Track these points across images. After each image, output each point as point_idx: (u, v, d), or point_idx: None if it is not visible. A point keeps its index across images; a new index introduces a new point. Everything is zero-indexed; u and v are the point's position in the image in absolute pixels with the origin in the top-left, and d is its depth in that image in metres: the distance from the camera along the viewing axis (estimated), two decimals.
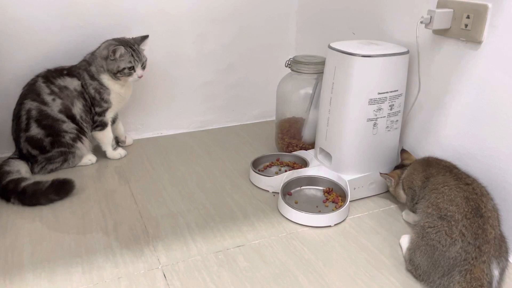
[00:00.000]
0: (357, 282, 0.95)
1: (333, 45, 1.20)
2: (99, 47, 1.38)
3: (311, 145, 1.44)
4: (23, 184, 1.21)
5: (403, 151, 1.24)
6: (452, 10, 1.08)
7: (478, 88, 1.06)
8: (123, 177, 1.37)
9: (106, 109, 1.42)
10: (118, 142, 1.58)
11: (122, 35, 1.47)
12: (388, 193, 1.29)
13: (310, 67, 1.40)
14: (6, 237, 1.07)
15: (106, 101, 1.40)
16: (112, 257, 1.01)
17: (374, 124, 1.18)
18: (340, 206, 1.17)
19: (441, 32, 1.12)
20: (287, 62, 1.46)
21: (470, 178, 0.99)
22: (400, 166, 1.21)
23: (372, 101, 1.15)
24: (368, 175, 1.24)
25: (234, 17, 1.65)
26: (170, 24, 1.56)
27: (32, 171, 1.35)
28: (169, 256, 1.02)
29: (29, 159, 1.35)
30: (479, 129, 1.07)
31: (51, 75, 1.36)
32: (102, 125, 1.43)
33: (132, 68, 1.35)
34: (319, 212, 1.17)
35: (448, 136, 1.16)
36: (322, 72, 1.28)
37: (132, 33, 1.48)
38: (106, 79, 1.38)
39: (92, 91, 1.38)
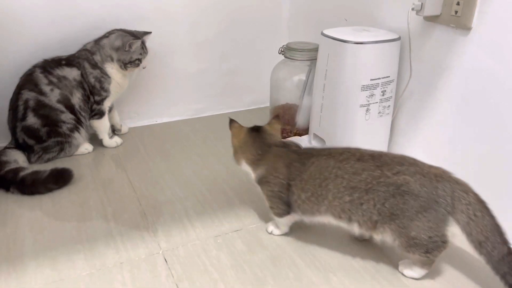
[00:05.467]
0: (352, 264, 0.98)
1: (326, 32, 1.22)
2: (107, 36, 1.40)
3: (305, 131, 1.47)
4: (22, 173, 1.22)
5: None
6: None
7: (468, 74, 1.09)
8: (120, 165, 1.39)
9: (105, 98, 1.43)
10: (114, 130, 1.59)
11: (114, 23, 1.48)
12: None
13: (303, 54, 1.42)
14: (7, 227, 1.09)
15: (106, 90, 1.42)
16: (113, 243, 1.03)
17: (367, 110, 1.21)
18: None
19: (432, 19, 1.14)
20: (281, 49, 1.48)
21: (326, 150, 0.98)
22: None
23: (364, 87, 1.18)
24: None
25: (226, 4, 1.65)
26: (163, 13, 1.56)
27: (29, 161, 1.36)
28: (169, 241, 1.04)
29: (26, 149, 1.36)
30: (469, 113, 1.10)
31: (48, 66, 1.36)
32: (100, 114, 1.45)
33: (140, 60, 1.42)
34: None
35: (439, 120, 1.19)
36: (315, 59, 1.30)
37: (124, 22, 1.49)
38: (110, 68, 1.41)
39: (92, 80, 1.39)
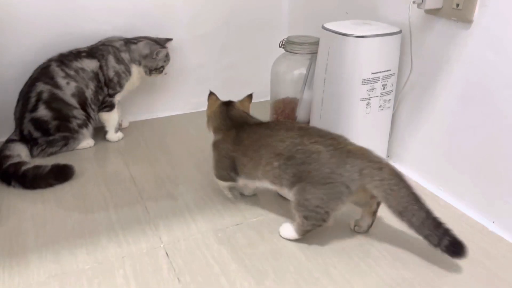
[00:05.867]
0: (352, 257, 0.99)
1: (326, 25, 1.21)
2: (136, 43, 1.45)
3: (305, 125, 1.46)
4: (24, 168, 1.23)
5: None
6: None
7: (469, 67, 1.09)
8: (121, 160, 1.39)
9: (118, 92, 1.47)
10: None
11: (113, 17, 1.49)
12: None
13: (304, 48, 1.42)
14: (9, 221, 1.10)
15: (121, 86, 1.46)
16: (115, 237, 1.04)
17: (367, 104, 1.21)
18: None
19: (433, 12, 1.14)
20: (281, 42, 1.47)
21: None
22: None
23: (365, 81, 1.18)
24: None
25: None
26: (162, 6, 1.55)
27: (31, 154, 1.36)
28: (170, 235, 1.05)
29: (29, 141, 1.36)
30: (469, 107, 1.10)
31: (66, 59, 1.37)
32: (111, 106, 1.47)
33: (163, 67, 1.50)
34: None
35: (440, 114, 1.19)
36: (316, 53, 1.29)
37: (123, 15, 1.49)
38: (134, 68, 1.47)
39: (111, 74, 1.42)
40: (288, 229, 1.03)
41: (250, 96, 1.18)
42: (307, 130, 1.02)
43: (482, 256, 0.99)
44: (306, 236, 1.02)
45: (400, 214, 0.93)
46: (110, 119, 1.49)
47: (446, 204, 1.18)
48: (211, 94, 1.19)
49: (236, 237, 1.05)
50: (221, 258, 0.98)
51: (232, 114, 1.13)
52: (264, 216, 1.12)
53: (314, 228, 0.99)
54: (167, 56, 1.49)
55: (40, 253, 0.99)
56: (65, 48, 1.41)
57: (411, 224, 0.92)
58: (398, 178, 0.93)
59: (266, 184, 1.05)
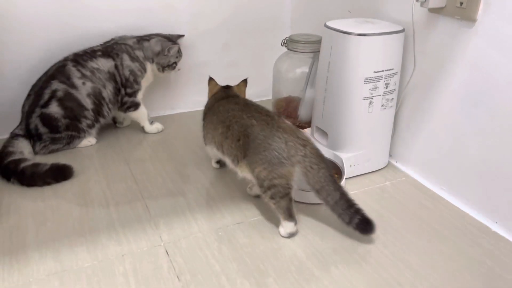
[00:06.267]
0: (353, 256, 0.98)
1: (329, 24, 1.20)
2: (148, 40, 1.46)
3: (307, 124, 1.46)
4: (23, 165, 1.23)
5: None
6: None
7: (472, 66, 1.08)
8: (122, 158, 1.39)
9: (137, 91, 1.48)
10: (115, 122, 1.59)
11: (117, 15, 1.48)
12: (383, 170, 1.32)
13: (306, 46, 1.41)
14: (10, 218, 1.09)
15: (138, 83, 1.47)
16: (115, 235, 1.04)
17: (370, 103, 1.20)
18: None
19: (437, 11, 1.13)
20: (283, 41, 1.47)
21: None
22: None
23: (368, 80, 1.17)
24: (364, 153, 1.26)
25: None
26: (165, 3, 1.55)
27: (34, 149, 1.36)
28: (170, 233, 1.05)
29: (33, 136, 1.36)
30: (473, 106, 1.09)
31: (81, 58, 1.38)
32: (135, 105, 1.49)
33: (176, 63, 1.51)
34: None
35: (442, 114, 1.18)
36: (318, 51, 1.29)
37: (126, 12, 1.49)
38: (148, 65, 1.48)
39: (127, 73, 1.43)
40: (280, 225, 1.05)
41: (245, 81, 1.30)
42: (249, 107, 1.11)
43: (485, 256, 0.98)
44: (311, 235, 1.01)
45: (317, 192, 1.00)
46: (139, 115, 1.52)
47: (449, 204, 1.17)
48: (211, 79, 1.30)
49: (237, 236, 1.04)
50: (221, 257, 0.98)
51: (225, 93, 1.24)
52: (265, 215, 1.12)
53: (288, 204, 1.02)
54: (179, 52, 1.50)
55: (40, 251, 0.98)
56: (74, 46, 1.42)
57: (326, 202, 1.00)
58: (319, 159, 1.00)
59: (224, 157, 1.13)
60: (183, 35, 1.55)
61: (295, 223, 1.03)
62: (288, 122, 1.06)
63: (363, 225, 0.99)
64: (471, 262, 0.96)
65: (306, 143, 1.00)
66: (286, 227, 1.03)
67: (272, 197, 1.01)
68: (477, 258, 0.97)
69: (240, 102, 1.15)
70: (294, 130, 1.03)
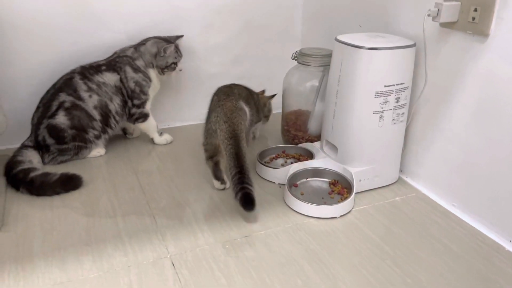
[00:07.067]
0: (361, 272, 0.96)
1: (339, 37, 1.21)
2: (144, 44, 1.46)
3: (317, 138, 1.45)
4: (32, 174, 1.23)
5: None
6: (459, 3, 1.09)
7: (485, 81, 1.07)
8: (130, 168, 1.39)
9: (145, 101, 1.49)
10: (125, 133, 1.60)
11: (129, 26, 1.50)
12: (393, 185, 1.30)
13: (316, 60, 1.41)
14: (18, 226, 1.09)
15: (145, 93, 1.48)
16: (122, 246, 1.03)
17: (380, 117, 1.19)
18: (346, 198, 1.18)
19: (448, 25, 1.12)
20: (294, 54, 1.47)
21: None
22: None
23: (378, 94, 1.16)
24: (373, 168, 1.25)
25: (239, 9, 1.65)
26: (176, 15, 1.57)
27: (43, 161, 1.37)
28: (177, 245, 1.04)
29: (42, 148, 1.37)
30: (485, 122, 1.08)
31: (87, 72, 1.39)
32: (144, 117, 1.50)
33: (175, 63, 1.48)
34: (325, 203, 1.18)
35: (454, 129, 1.16)
36: (329, 65, 1.29)
37: (138, 24, 1.51)
38: (152, 72, 1.48)
39: (132, 85, 1.44)
40: None
41: (263, 92, 1.52)
42: (228, 95, 1.27)
43: (498, 275, 0.96)
44: (319, 249, 1.00)
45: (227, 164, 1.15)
46: (149, 126, 1.52)
47: (460, 221, 1.14)
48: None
49: (244, 249, 1.03)
50: (227, 270, 0.96)
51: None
52: (272, 228, 1.10)
53: (211, 162, 1.25)
54: (177, 52, 1.48)
55: (46, 259, 0.98)
56: (85, 58, 1.44)
57: (229, 174, 1.14)
58: (233, 138, 1.15)
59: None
60: (182, 36, 1.54)
61: (221, 183, 1.25)
62: (235, 102, 1.23)
63: (243, 201, 1.09)
64: (483, 281, 0.94)
65: (229, 122, 1.17)
66: (213, 183, 1.26)
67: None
68: (490, 277, 0.95)
69: (223, 92, 1.29)
70: (230, 109, 1.20)
